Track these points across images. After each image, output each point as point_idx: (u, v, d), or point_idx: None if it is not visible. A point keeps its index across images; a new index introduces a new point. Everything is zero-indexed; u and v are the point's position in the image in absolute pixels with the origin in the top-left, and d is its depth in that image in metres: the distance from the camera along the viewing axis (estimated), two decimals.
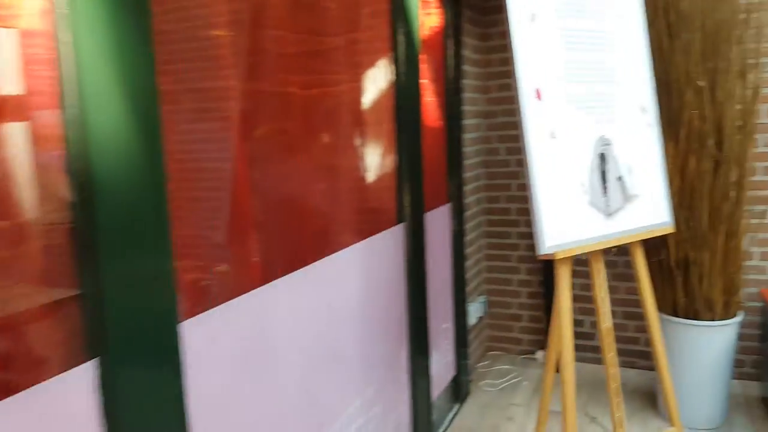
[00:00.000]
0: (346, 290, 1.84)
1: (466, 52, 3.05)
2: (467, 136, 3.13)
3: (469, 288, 3.28)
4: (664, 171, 2.10)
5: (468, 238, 3.23)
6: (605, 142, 1.94)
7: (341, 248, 1.85)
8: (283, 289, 1.51)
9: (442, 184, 2.87)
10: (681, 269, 2.55)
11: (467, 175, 3.15)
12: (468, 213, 3.21)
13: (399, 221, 2.30)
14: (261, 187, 1.47)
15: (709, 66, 2.39)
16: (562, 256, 1.82)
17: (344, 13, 1.89)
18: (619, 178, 1.98)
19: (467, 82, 3.11)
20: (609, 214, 1.93)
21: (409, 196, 2.31)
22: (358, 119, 2.01)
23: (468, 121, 3.13)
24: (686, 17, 2.37)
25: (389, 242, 2.18)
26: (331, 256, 1.78)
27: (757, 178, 2.87)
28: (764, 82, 2.75)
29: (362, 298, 1.94)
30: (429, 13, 2.63)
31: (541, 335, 3.49)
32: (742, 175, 2.46)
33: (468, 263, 3.25)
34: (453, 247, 2.95)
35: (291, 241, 1.59)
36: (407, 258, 2.31)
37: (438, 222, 2.75)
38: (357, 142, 2.04)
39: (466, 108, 3.11)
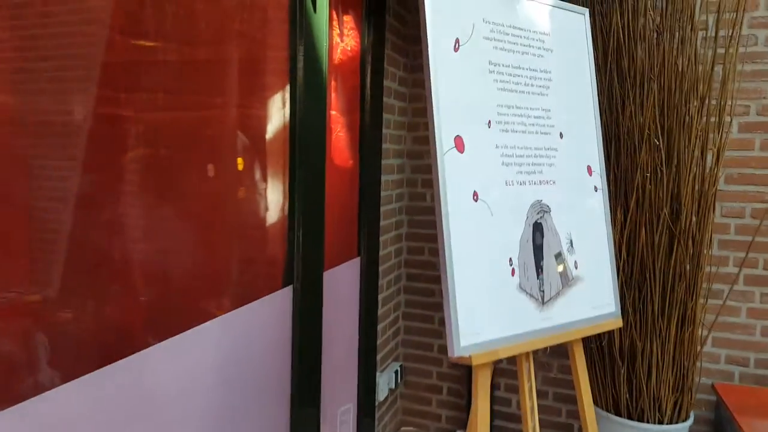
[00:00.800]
0: (203, 383, 1.31)
1: (390, 83, 2.62)
2: (387, 178, 2.68)
3: (381, 355, 2.79)
4: (611, 246, 1.71)
5: (383, 295, 2.75)
6: (542, 209, 1.53)
7: (203, 321, 1.33)
8: (118, 375, 0.96)
9: (351, 234, 2.39)
10: (626, 360, 2.16)
11: (385, 222, 2.68)
12: (384, 266, 2.74)
13: (287, 283, 1.81)
14: (91, 240, 0.93)
15: (667, 122, 2.05)
16: (480, 362, 1.37)
17: (224, 20, 1.41)
18: (558, 255, 1.56)
19: (390, 117, 2.67)
20: (544, 303, 1.50)
21: (304, 252, 1.83)
22: (237, 154, 1.53)
23: (389, 161, 2.69)
24: (642, 65, 2.03)
25: (271, 310, 1.68)
26: (182, 334, 1.26)
27: (715, 252, 2.56)
28: (727, 145, 2.45)
29: (226, 392, 1.42)
30: (343, 35, 2.19)
31: (462, 412, 3.03)
32: (700, 252, 2.11)
33: (382, 325, 2.77)
34: (362, 308, 2.46)
35: (125, 313, 1.06)
36: (296, 329, 1.81)
37: (343, 279, 2.26)
38: (237, 183, 1.55)
39: (388, 146, 2.66)
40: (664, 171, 2.05)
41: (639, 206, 2.09)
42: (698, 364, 2.27)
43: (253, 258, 1.72)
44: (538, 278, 1.47)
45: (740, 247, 2.67)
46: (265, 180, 1.75)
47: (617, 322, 1.64)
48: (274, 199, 1.76)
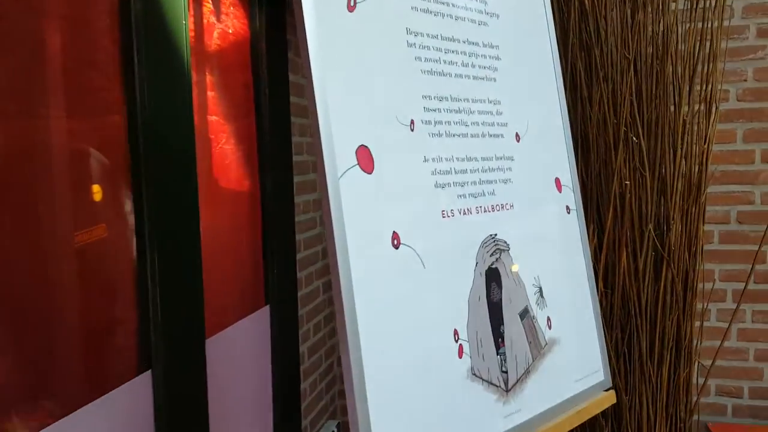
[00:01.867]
0: None
1: (300, 79, 2.09)
2: (306, 198, 2.16)
3: (312, 416, 2.25)
4: (593, 287, 1.25)
5: (309, 344, 2.22)
6: (497, 247, 1.05)
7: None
8: None
9: (253, 278, 1.85)
10: (610, 421, 1.72)
11: (306, 253, 2.15)
12: (308, 308, 2.21)
13: (144, 367, 1.26)
14: None
15: (647, 114, 1.62)
16: None
17: None
18: (525, 314, 1.08)
19: (304, 122, 2.15)
20: (508, 390, 1.02)
21: (166, 319, 1.27)
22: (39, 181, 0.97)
23: (307, 177, 2.16)
24: (613, 42, 1.60)
25: (124, 407, 1.14)
26: None
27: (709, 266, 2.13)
28: (716, 136, 2.05)
29: None
30: (220, 13, 1.63)
31: None
32: (694, 274, 1.70)
33: (311, 379, 2.24)
34: (276, 369, 1.93)
35: None
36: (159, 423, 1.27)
37: (242, 342, 1.71)
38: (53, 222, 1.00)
39: (305, 158, 2.14)
40: (647, 176, 1.61)
41: (617, 223, 1.65)
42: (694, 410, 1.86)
43: (92, 333, 1.17)
44: (497, 354, 0.99)
45: (727, 257, 2.29)
46: (104, 222, 1.20)
47: (610, 397, 1.18)
48: (110, 248, 1.21)
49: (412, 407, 0.84)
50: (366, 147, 0.85)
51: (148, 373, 1.26)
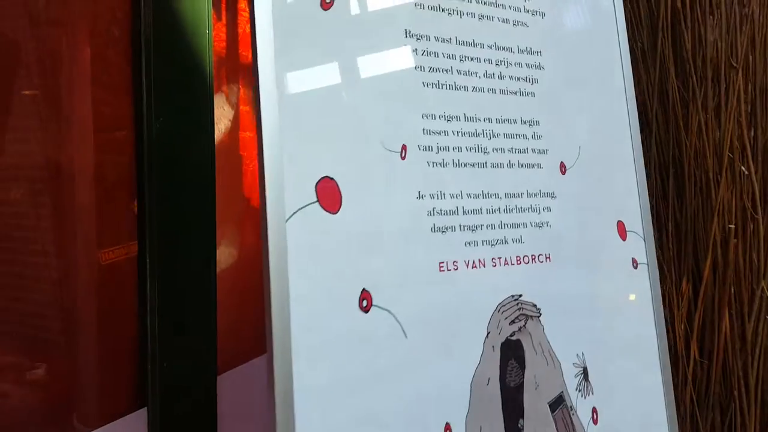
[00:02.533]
0: None
1: None
2: None
3: None
4: (667, 370, 0.95)
5: None
6: (522, 312, 0.80)
7: None
8: None
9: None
10: None
11: None
12: None
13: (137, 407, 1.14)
14: None
15: (763, 137, 1.27)
16: None
17: None
18: (558, 403, 0.82)
19: None
20: None
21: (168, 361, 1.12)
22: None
23: None
24: (716, 47, 1.27)
25: None
26: None
27: None
28: None
29: None
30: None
31: None
32: None
33: None
34: None
35: None
36: None
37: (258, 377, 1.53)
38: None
39: None
40: (760, 218, 1.26)
41: (717, 276, 1.31)
42: None
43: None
44: None
45: None
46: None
47: None
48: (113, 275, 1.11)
49: None
50: (331, 179, 0.66)
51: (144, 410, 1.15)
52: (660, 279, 1.30)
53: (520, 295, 0.78)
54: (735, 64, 1.23)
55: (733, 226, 1.23)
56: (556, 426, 0.78)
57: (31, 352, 0.88)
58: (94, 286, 1.01)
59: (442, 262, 0.72)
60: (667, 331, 1.26)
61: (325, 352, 0.62)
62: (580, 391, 0.81)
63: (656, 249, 1.30)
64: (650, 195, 1.31)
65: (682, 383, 1.31)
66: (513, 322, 0.77)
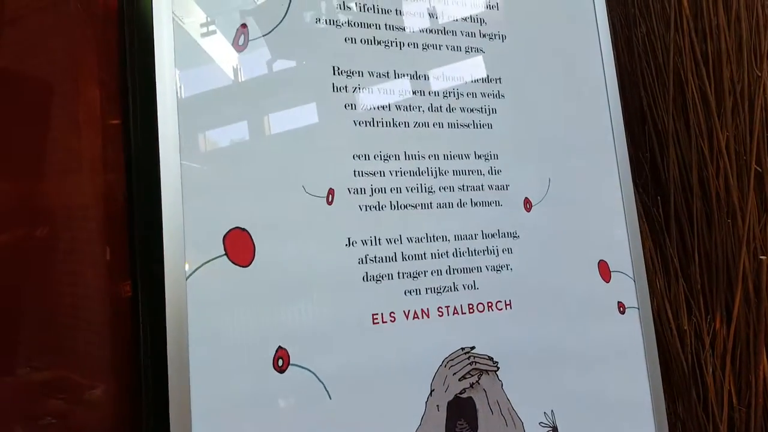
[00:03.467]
0: None
1: None
2: None
3: None
4: (663, 422, 0.82)
5: None
6: (473, 367, 0.72)
7: None
8: None
9: None
10: None
11: None
12: None
13: None
14: None
15: None
16: None
17: None
18: None
19: None
20: None
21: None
22: None
23: None
24: (734, 45, 1.12)
25: None
26: None
27: None
28: None
29: None
30: None
31: None
32: None
33: None
34: None
35: None
36: None
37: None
38: None
39: None
40: None
41: (751, 311, 1.15)
42: None
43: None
44: None
45: None
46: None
47: None
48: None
49: None
50: (243, 230, 0.62)
51: None
52: (688, 316, 1.17)
53: (473, 348, 0.71)
54: (759, 72, 1.09)
55: (765, 257, 1.07)
56: None
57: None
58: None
59: (376, 314, 0.66)
60: (698, 375, 1.12)
61: (233, 419, 0.58)
62: None
63: (682, 283, 1.17)
64: (675, 221, 1.18)
65: None
66: (463, 377, 0.69)
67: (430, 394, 0.67)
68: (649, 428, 0.78)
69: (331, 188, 0.66)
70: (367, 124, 0.69)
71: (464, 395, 0.69)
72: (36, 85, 0.64)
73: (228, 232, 0.61)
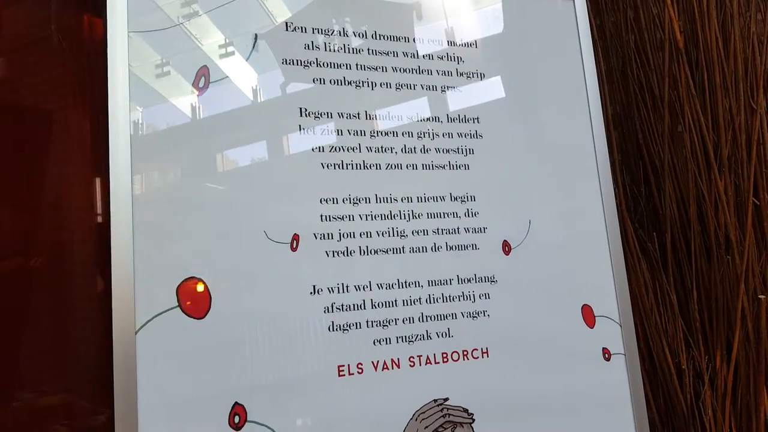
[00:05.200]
0: None
1: None
2: None
3: None
4: None
5: None
6: (446, 420, 0.67)
7: None
8: None
9: None
10: None
11: None
12: None
13: None
14: None
15: None
16: None
17: None
18: None
19: None
20: None
21: None
22: None
23: None
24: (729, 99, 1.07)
25: None
26: None
27: None
28: None
29: None
30: None
31: None
32: None
33: None
34: None
35: None
36: None
37: None
38: None
39: None
40: None
41: (750, 352, 1.08)
42: None
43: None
44: None
45: None
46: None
47: None
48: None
49: None
50: (198, 280, 0.59)
51: None
52: (687, 354, 1.11)
53: (446, 399, 0.66)
54: (754, 105, 1.04)
55: (764, 297, 1.01)
56: None
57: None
58: None
59: (342, 366, 0.62)
60: (696, 415, 1.06)
61: None
62: None
63: (680, 320, 1.11)
64: (673, 256, 1.13)
65: None
66: (436, 431, 0.65)
67: None
68: None
69: (295, 234, 0.63)
70: (336, 166, 0.65)
71: None
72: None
73: (181, 282, 0.57)
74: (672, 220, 1.13)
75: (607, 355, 0.75)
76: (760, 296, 1.01)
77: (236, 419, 0.57)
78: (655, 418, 1.06)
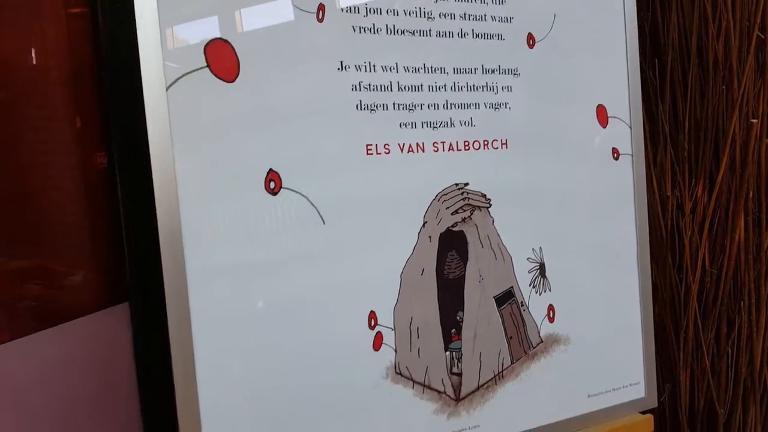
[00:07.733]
0: None
1: None
2: None
3: None
4: (646, 266, 0.82)
5: None
6: (466, 202, 0.69)
7: None
8: None
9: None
10: None
11: None
12: None
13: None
14: None
15: None
16: None
17: None
18: (507, 298, 0.72)
19: None
20: (459, 398, 0.70)
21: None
22: None
23: None
24: None
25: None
26: None
27: None
28: None
29: None
30: None
31: None
32: None
33: None
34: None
35: None
36: None
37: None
38: None
39: None
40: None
41: (734, 175, 1.12)
42: None
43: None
44: (446, 350, 0.67)
45: None
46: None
47: (646, 423, 0.77)
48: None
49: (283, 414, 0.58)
50: (225, 42, 0.55)
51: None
52: (672, 182, 1.15)
53: (466, 184, 0.67)
54: None
55: (756, 120, 1.03)
56: (503, 320, 0.68)
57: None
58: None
59: (370, 145, 0.61)
60: (676, 237, 1.12)
61: (225, 236, 0.54)
62: (534, 287, 0.71)
63: (670, 149, 1.14)
64: (670, 86, 1.12)
65: (687, 293, 1.17)
66: (456, 212, 0.66)
67: (423, 225, 0.64)
68: (632, 276, 0.77)
69: (321, 3, 0.58)
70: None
71: (456, 228, 0.66)
72: None
73: (208, 42, 0.54)
74: (673, 50, 1.11)
75: (616, 155, 0.76)
76: (752, 120, 1.03)
77: (272, 185, 0.56)
78: None
